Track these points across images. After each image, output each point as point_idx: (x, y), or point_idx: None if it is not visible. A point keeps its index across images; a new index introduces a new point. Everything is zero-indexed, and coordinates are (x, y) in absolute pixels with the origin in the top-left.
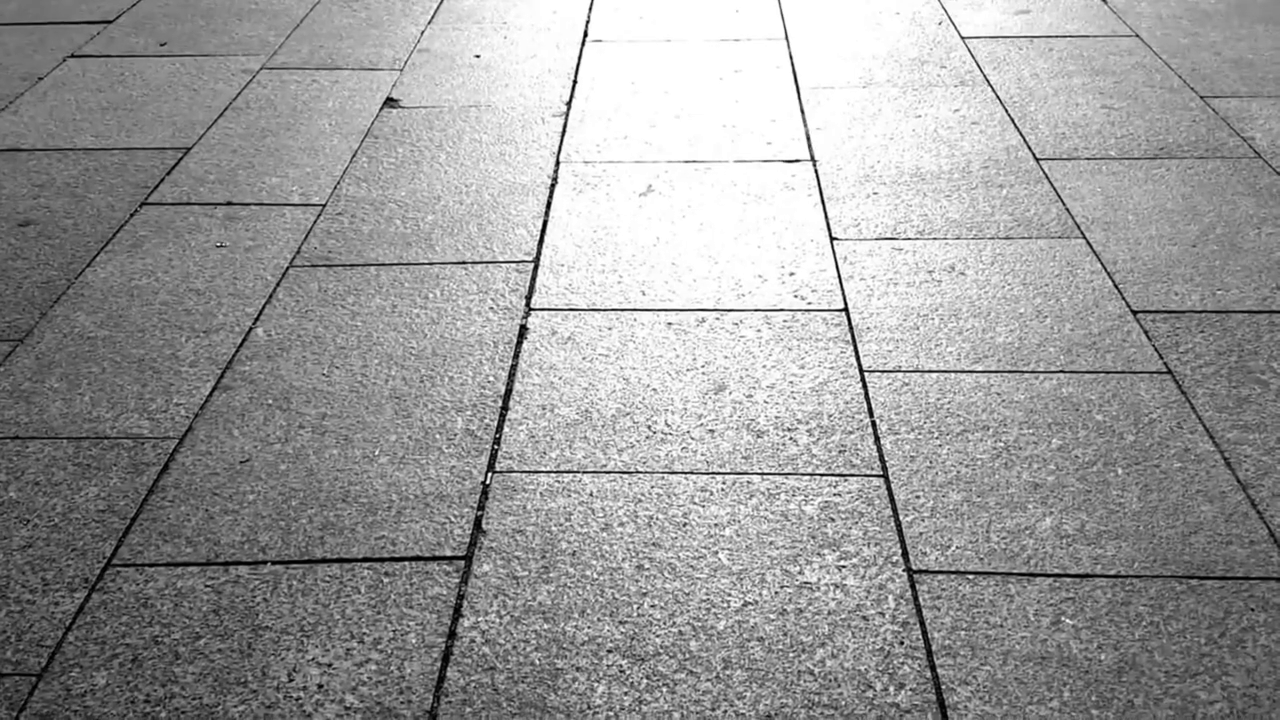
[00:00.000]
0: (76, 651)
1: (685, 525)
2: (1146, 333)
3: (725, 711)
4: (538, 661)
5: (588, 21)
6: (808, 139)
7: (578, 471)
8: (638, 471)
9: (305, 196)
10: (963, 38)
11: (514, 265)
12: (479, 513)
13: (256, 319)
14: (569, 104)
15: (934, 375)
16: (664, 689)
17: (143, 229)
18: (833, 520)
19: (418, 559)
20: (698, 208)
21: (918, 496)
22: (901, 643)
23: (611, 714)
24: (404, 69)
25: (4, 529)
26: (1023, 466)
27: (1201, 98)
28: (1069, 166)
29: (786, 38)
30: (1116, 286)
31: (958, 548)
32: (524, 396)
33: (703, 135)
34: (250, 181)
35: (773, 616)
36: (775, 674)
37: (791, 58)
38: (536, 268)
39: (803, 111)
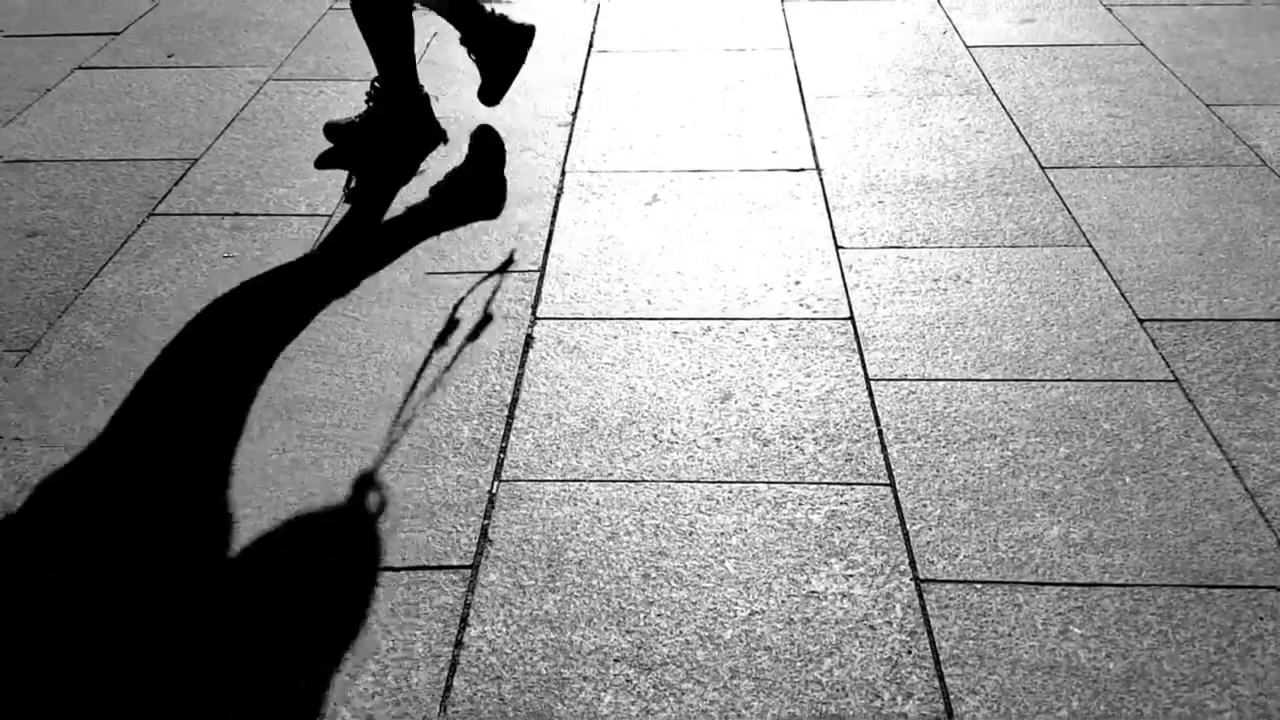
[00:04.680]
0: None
1: (692, 534)
2: (1153, 341)
3: None
4: (544, 671)
5: (593, 32)
6: (813, 148)
7: (584, 480)
8: (644, 480)
9: (312, 207)
10: (968, 47)
11: (520, 274)
12: (485, 522)
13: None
14: (574, 114)
15: (940, 384)
16: (671, 698)
17: (150, 239)
18: (839, 529)
19: (424, 568)
20: (703, 216)
21: (925, 505)
22: (909, 652)
23: None
24: None
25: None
26: (1030, 475)
27: (1207, 106)
28: (1075, 175)
29: (791, 47)
30: (1123, 295)
31: (965, 556)
32: (530, 405)
33: (708, 144)
34: (257, 192)
35: (780, 626)
36: (782, 684)
37: (796, 67)
38: (542, 277)
39: (808, 120)
